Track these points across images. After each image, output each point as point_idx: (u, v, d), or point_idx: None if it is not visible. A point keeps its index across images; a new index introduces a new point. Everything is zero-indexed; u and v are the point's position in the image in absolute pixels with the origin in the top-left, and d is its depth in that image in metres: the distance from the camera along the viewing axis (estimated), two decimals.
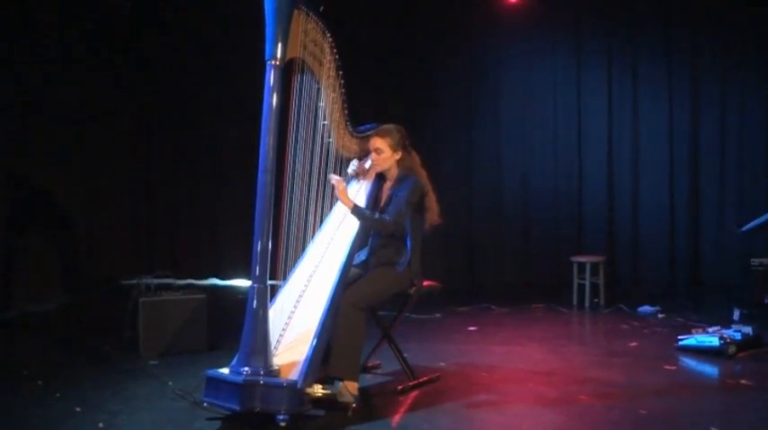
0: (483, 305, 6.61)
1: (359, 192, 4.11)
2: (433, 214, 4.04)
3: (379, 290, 3.91)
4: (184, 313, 4.85)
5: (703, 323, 5.51)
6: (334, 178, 3.91)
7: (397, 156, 4.02)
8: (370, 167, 4.14)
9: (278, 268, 3.81)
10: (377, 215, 3.91)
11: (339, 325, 3.71)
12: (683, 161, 7.51)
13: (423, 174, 4.06)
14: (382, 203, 4.05)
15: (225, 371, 3.52)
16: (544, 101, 7.77)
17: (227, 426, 3.49)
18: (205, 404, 3.58)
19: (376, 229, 3.99)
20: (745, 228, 6.27)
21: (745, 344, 4.84)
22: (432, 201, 4.05)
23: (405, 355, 4.23)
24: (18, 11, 6.27)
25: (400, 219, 3.90)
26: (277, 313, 3.71)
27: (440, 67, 7.69)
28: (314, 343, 3.55)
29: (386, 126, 4.04)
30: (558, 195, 7.76)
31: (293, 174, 3.79)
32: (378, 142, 3.99)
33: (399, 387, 4.05)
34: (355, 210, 3.88)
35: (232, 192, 7.44)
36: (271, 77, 3.48)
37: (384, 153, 4.00)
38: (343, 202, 3.90)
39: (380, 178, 4.14)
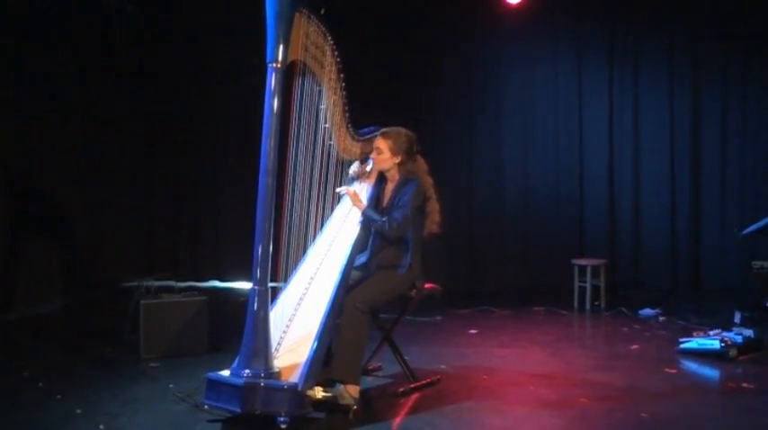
0: (484, 308, 6.61)
1: (360, 195, 4.10)
2: (432, 222, 4.04)
3: (381, 293, 3.91)
4: (185, 315, 4.85)
5: (704, 326, 5.51)
6: (344, 189, 3.98)
7: (396, 160, 4.02)
8: (371, 170, 4.14)
9: (279, 270, 3.81)
10: (385, 218, 3.93)
11: (341, 328, 3.72)
12: (684, 164, 7.50)
13: (428, 181, 4.06)
14: (384, 205, 4.06)
15: (226, 373, 3.51)
16: (545, 103, 7.76)
17: (227, 429, 3.49)
18: (206, 406, 3.58)
19: (381, 232, 3.98)
20: (745, 232, 6.26)
21: (746, 347, 4.84)
22: (433, 208, 4.05)
23: (405, 358, 4.24)
24: (19, 11, 6.28)
25: (407, 225, 3.91)
26: (278, 315, 3.71)
27: (441, 69, 7.68)
28: (315, 345, 3.54)
29: (394, 128, 4.06)
30: (558, 198, 7.75)
31: (294, 177, 3.79)
32: (379, 142, 4.01)
33: (400, 389, 4.05)
34: (366, 212, 3.94)
35: (233, 194, 7.44)
36: (272, 80, 3.47)
37: (383, 154, 4.01)
38: (355, 206, 3.96)
39: (382, 179, 4.15)
